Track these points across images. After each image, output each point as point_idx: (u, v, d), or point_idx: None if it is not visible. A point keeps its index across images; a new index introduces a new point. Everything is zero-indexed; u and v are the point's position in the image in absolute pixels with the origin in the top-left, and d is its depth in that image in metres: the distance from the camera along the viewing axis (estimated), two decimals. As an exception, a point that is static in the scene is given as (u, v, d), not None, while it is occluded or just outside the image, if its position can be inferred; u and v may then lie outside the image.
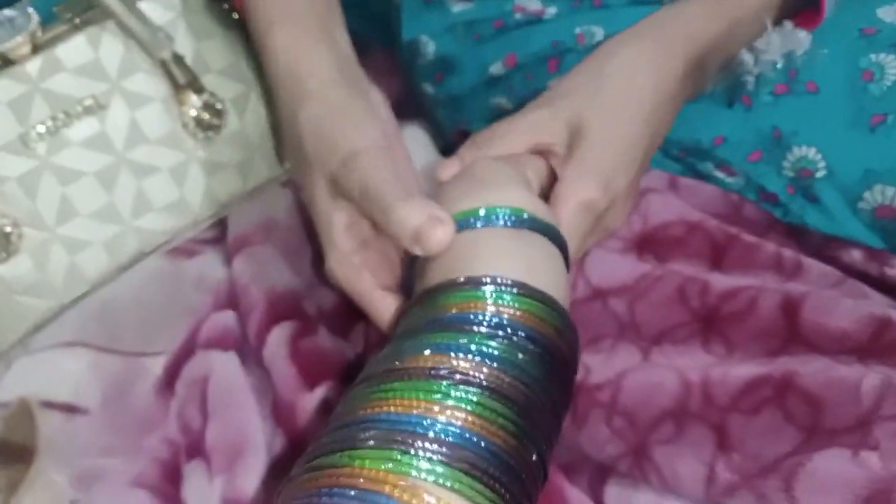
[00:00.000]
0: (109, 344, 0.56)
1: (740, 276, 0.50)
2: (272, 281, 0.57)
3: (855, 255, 0.53)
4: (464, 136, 0.68)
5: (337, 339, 0.56)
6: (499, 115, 0.64)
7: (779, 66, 0.54)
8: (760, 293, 0.47)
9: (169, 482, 0.49)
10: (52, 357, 0.55)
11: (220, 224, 0.65)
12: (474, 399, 0.34)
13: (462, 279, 0.40)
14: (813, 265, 0.50)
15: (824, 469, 0.39)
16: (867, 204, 0.53)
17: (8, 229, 0.55)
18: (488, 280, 0.39)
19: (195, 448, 0.50)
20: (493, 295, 0.39)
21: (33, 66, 0.55)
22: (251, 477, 0.47)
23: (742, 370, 0.44)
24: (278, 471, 0.49)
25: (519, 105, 0.62)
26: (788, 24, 0.55)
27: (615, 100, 0.50)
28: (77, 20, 0.56)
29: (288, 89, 0.53)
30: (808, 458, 0.40)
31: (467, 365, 0.36)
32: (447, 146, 0.70)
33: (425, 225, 0.42)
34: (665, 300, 0.49)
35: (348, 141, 0.48)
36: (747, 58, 0.54)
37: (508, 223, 0.43)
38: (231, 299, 0.59)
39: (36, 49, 0.55)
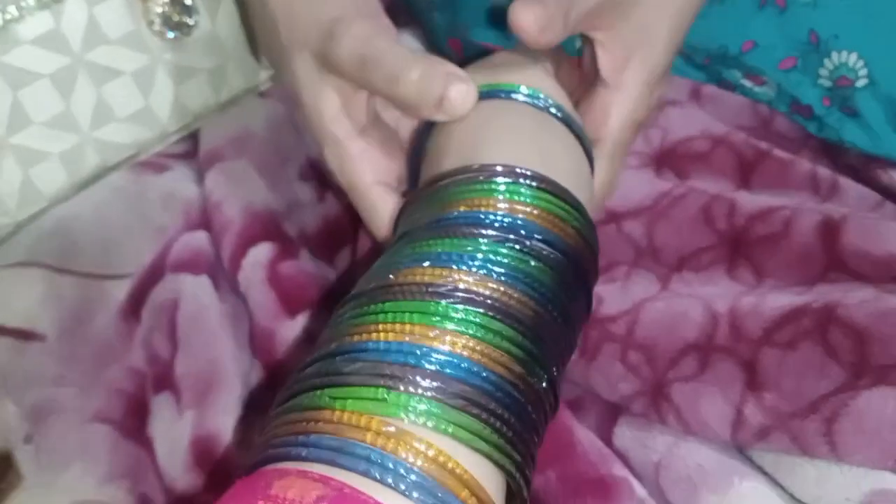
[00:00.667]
0: (67, 265, 0.51)
1: (772, 196, 0.45)
2: (248, 199, 0.52)
3: (895, 176, 0.48)
4: (459, 45, 0.63)
5: (320, 263, 0.52)
6: (499, 17, 0.59)
7: None
8: (795, 214, 0.42)
9: (133, 416, 0.45)
10: (4, 278, 0.50)
11: (192, 138, 0.60)
12: (477, 321, 0.30)
13: (475, 167, 0.36)
14: (850, 186, 0.46)
15: (873, 409, 0.34)
16: (911, 119, 0.48)
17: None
18: (501, 169, 0.35)
19: (163, 380, 0.46)
20: (508, 189, 0.34)
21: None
22: (225, 412, 0.43)
23: (776, 300, 0.39)
24: (256, 406, 0.45)
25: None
26: None
27: None
28: None
29: None
30: (852, 397, 0.35)
31: (471, 279, 0.31)
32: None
33: (446, 83, 0.38)
34: (687, 221, 0.45)
35: (331, 7, 0.43)
36: None
37: (530, 102, 0.39)
38: (203, 219, 0.54)
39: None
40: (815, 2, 0.49)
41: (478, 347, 0.29)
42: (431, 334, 0.29)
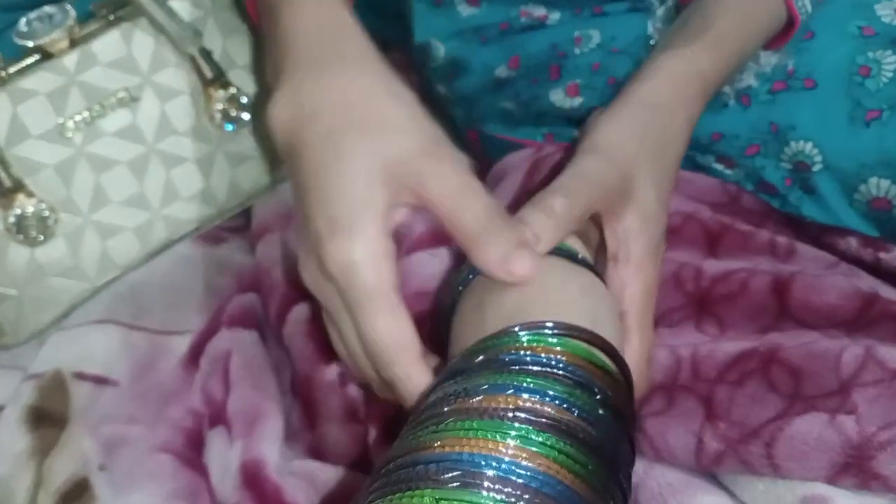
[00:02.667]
0: (138, 322, 0.59)
1: (733, 262, 0.52)
2: (292, 265, 0.60)
3: (851, 243, 0.55)
4: (477, 137, 0.72)
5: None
6: (508, 118, 0.67)
7: (755, 84, 0.57)
8: (752, 275, 0.49)
9: (192, 448, 0.52)
10: (84, 333, 0.58)
11: (245, 214, 0.68)
12: (561, 447, 0.34)
13: (529, 323, 0.39)
14: (806, 250, 0.52)
15: (802, 433, 0.41)
16: (862, 196, 0.55)
17: (45, 214, 0.58)
18: (555, 328, 0.39)
19: (217, 417, 0.53)
20: (567, 344, 0.38)
21: (70, 59, 0.58)
22: (268, 440, 0.50)
23: (730, 346, 0.46)
24: (294, 440, 0.52)
25: (525, 110, 0.65)
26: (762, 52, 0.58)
27: (659, 152, 0.49)
28: (111, 16, 0.60)
29: (326, 44, 0.46)
30: (787, 422, 0.42)
31: (552, 411, 0.35)
32: (463, 147, 0.73)
33: (516, 253, 0.41)
34: (661, 285, 0.52)
35: (432, 126, 0.45)
36: (724, 88, 0.57)
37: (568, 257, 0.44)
38: (254, 283, 0.62)
39: (73, 44, 0.59)
40: (773, 98, 0.56)
41: (556, 468, 0.33)
42: (514, 452, 0.33)
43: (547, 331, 0.39)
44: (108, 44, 0.60)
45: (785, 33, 0.57)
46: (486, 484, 0.32)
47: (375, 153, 0.43)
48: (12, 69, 0.57)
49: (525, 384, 0.36)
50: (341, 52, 0.47)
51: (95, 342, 0.58)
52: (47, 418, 0.53)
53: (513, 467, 0.32)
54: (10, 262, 0.58)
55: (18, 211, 0.57)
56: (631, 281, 0.47)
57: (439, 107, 0.75)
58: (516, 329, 0.39)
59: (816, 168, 0.56)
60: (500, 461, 0.32)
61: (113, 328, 0.58)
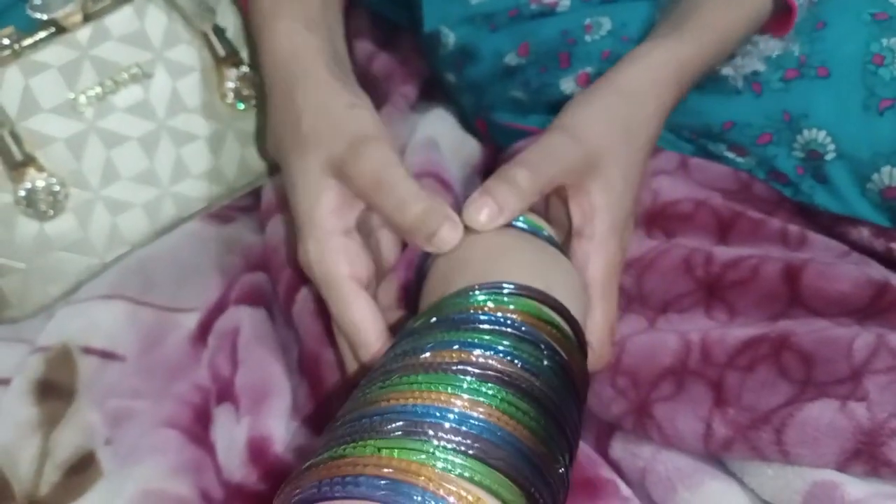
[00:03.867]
0: (146, 298, 0.59)
1: (744, 248, 0.52)
2: (300, 244, 0.60)
3: (863, 233, 0.55)
4: (486, 125, 0.71)
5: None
6: (518, 106, 0.67)
7: (763, 69, 0.57)
8: (763, 261, 0.49)
9: (198, 423, 0.52)
10: (92, 307, 0.58)
11: (254, 194, 0.68)
12: (505, 397, 0.34)
13: (487, 283, 0.41)
14: (818, 238, 0.52)
15: (813, 419, 0.41)
16: (875, 185, 0.55)
17: (55, 188, 0.58)
18: (512, 288, 0.40)
19: (224, 393, 0.53)
20: (518, 303, 0.40)
21: (83, 34, 0.58)
22: (276, 417, 0.50)
23: (741, 331, 0.46)
24: (302, 417, 0.52)
25: (536, 98, 0.65)
26: (760, 37, 0.58)
27: (629, 138, 0.51)
28: (125, -9, 0.60)
29: (289, 69, 0.54)
30: (797, 408, 0.42)
31: (498, 364, 0.36)
32: (472, 133, 0.73)
33: (440, 223, 0.45)
34: (671, 270, 0.52)
35: (359, 125, 0.50)
36: (728, 71, 0.57)
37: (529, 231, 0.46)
38: (262, 262, 0.62)
39: (86, 18, 0.58)
40: (786, 86, 0.56)
41: (505, 418, 0.34)
42: (460, 402, 0.34)
43: (503, 290, 0.40)
44: (121, 19, 0.60)
45: (786, 20, 0.57)
46: (430, 432, 0.32)
47: (312, 166, 0.50)
48: (25, 42, 0.57)
49: (471, 340, 0.37)
50: (294, 77, 0.54)
51: (103, 316, 0.58)
52: (54, 391, 0.53)
53: (459, 416, 0.33)
54: (19, 235, 0.58)
55: (29, 184, 0.57)
56: (594, 256, 0.48)
57: (448, 94, 0.75)
58: (475, 289, 0.40)
59: (829, 157, 0.56)
60: (445, 411, 0.33)
61: (121, 303, 0.58)
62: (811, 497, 0.41)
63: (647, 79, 0.52)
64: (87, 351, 0.56)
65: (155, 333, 0.58)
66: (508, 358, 0.36)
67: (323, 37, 0.56)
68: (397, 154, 0.49)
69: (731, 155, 0.59)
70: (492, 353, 0.36)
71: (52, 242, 0.59)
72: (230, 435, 0.50)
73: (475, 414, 0.33)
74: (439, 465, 0.31)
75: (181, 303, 0.60)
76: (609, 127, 0.50)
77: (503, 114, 0.69)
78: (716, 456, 0.46)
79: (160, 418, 0.52)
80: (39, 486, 0.49)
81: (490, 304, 0.39)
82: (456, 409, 0.33)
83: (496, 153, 0.69)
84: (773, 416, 0.42)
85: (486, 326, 0.38)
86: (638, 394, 0.47)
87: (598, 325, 0.47)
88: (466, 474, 0.31)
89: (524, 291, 0.40)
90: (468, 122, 0.74)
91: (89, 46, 0.58)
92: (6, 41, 0.57)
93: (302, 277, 0.57)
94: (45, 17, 0.57)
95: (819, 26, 0.57)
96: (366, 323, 0.48)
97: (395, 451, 0.31)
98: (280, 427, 0.49)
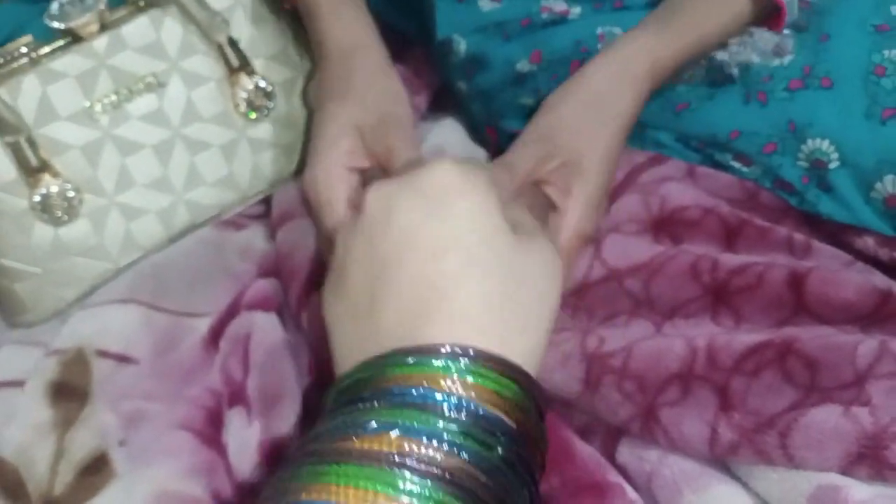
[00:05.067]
0: (159, 303, 0.60)
1: (750, 255, 0.52)
2: (312, 251, 0.61)
3: (868, 242, 0.55)
4: (496, 133, 0.72)
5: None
6: (527, 114, 0.68)
7: (757, 61, 0.59)
8: (769, 268, 0.50)
9: (211, 426, 0.53)
10: (107, 311, 0.59)
11: (266, 201, 0.69)
12: (442, 499, 0.31)
13: (426, 347, 0.36)
14: (823, 248, 0.53)
15: (817, 423, 0.42)
16: (878, 193, 0.56)
17: (70, 194, 0.59)
18: (457, 352, 0.35)
19: (237, 396, 0.54)
20: (465, 372, 0.35)
21: (100, 43, 0.59)
22: (287, 420, 0.50)
23: (746, 337, 0.47)
24: (313, 421, 0.52)
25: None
26: (756, 29, 0.61)
27: (603, 132, 0.57)
28: (141, 2, 0.61)
29: (353, 37, 0.63)
30: (802, 413, 0.42)
31: (440, 458, 0.32)
32: (481, 142, 0.74)
33: None
34: (678, 276, 0.52)
35: (398, 101, 0.59)
36: (723, 56, 0.59)
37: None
38: (273, 269, 0.63)
39: (103, 28, 0.60)
40: (791, 96, 0.57)
41: None
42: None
43: (462, 359, 0.35)
44: (138, 29, 0.61)
45: (777, 18, 0.60)
46: None
47: (344, 116, 0.59)
48: (43, 51, 0.58)
49: (415, 426, 0.33)
50: (356, 45, 0.63)
51: (117, 320, 0.58)
52: (69, 393, 0.54)
53: None
54: (34, 240, 0.59)
55: (44, 190, 0.58)
56: (565, 229, 0.54)
57: (459, 103, 0.76)
58: (429, 354, 0.36)
59: (833, 165, 0.56)
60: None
61: (134, 307, 0.59)
62: (816, 500, 0.42)
63: (621, 75, 0.58)
64: (102, 354, 0.56)
65: (168, 337, 0.58)
66: (454, 450, 0.32)
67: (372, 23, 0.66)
68: (416, 141, 0.58)
69: (737, 164, 0.60)
70: (436, 442, 0.32)
71: (67, 247, 0.60)
72: (242, 437, 0.51)
73: None
74: None
75: (194, 307, 0.61)
76: (584, 127, 0.56)
77: (513, 121, 0.70)
78: (721, 460, 0.46)
79: (173, 421, 0.53)
80: (54, 485, 0.50)
81: (447, 380, 0.34)
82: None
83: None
84: (778, 421, 0.43)
85: (437, 408, 0.33)
86: (644, 398, 0.48)
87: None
88: None
89: (487, 362, 0.35)
90: (478, 132, 0.75)
91: (106, 56, 0.60)
92: (24, 49, 0.58)
93: (312, 283, 0.58)
94: (62, 26, 0.58)
95: (823, 38, 0.58)
96: None
97: None
98: (291, 430, 0.50)
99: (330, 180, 0.56)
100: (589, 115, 0.57)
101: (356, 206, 0.47)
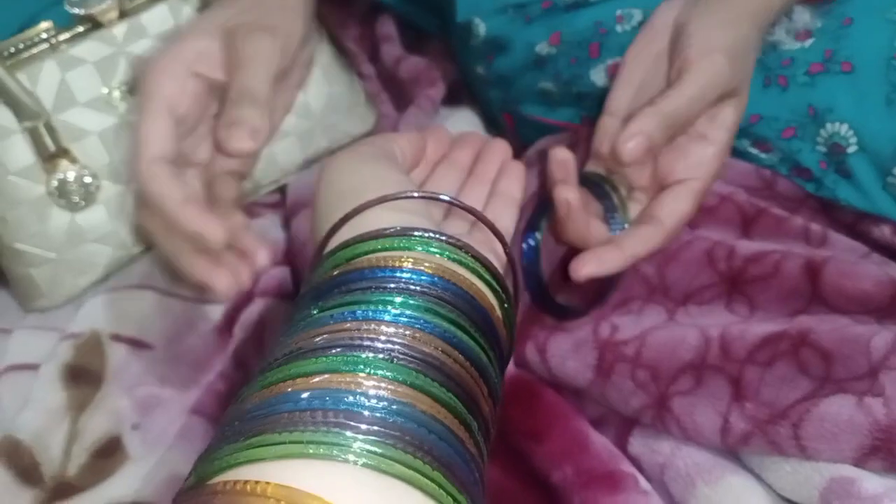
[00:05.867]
0: (174, 289, 0.60)
1: (767, 243, 0.52)
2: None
3: (884, 231, 0.55)
4: (513, 120, 0.72)
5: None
6: (547, 99, 0.68)
7: (785, 42, 0.58)
8: (785, 257, 0.49)
9: (223, 411, 0.53)
10: (122, 296, 0.59)
11: (280, 190, 0.69)
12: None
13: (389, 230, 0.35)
14: (839, 238, 0.52)
15: (830, 415, 0.41)
16: (895, 179, 0.55)
17: (87, 180, 0.59)
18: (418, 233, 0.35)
19: (249, 382, 0.54)
20: (422, 245, 0.34)
21: (119, 30, 0.60)
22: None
23: (760, 327, 0.46)
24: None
25: (566, 90, 0.66)
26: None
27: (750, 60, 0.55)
28: (160, -11, 0.61)
29: None
30: (815, 404, 0.42)
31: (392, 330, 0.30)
32: (498, 133, 0.74)
33: (244, 125, 0.50)
34: (693, 261, 0.52)
35: (286, 10, 0.55)
36: (780, 32, 0.58)
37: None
38: (287, 257, 0.63)
39: (122, 14, 0.60)
40: (811, 81, 0.56)
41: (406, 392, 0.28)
42: (361, 382, 0.28)
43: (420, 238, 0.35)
44: (157, 17, 0.61)
45: None
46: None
47: (216, 15, 0.55)
48: (62, 37, 0.59)
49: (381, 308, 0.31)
50: None
51: (132, 306, 0.59)
52: (83, 376, 0.54)
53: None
54: (51, 225, 0.59)
55: (62, 176, 0.59)
56: (709, 161, 0.52)
57: (476, 90, 0.76)
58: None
59: (851, 150, 0.56)
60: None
61: (150, 293, 0.60)
62: (829, 492, 0.41)
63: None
64: (117, 339, 0.57)
65: (182, 323, 0.59)
66: (419, 326, 0.31)
67: None
68: (278, 70, 0.53)
69: (754, 151, 0.59)
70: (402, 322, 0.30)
71: (83, 233, 0.61)
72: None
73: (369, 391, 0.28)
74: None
75: (208, 294, 0.61)
76: (742, 54, 0.53)
77: (531, 107, 0.70)
78: (733, 450, 0.46)
79: (187, 405, 0.54)
80: (67, 468, 0.50)
81: (408, 258, 0.33)
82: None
83: (521, 151, 0.69)
84: (791, 412, 0.42)
85: (398, 286, 0.32)
86: (657, 387, 0.48)
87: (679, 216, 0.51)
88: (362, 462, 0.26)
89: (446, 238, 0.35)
90: (494, 119, 0.75)
91: (125, 43, 0.60)
92: (44, 35, 0.58)
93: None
94: (82, 12, 0.59)
95: (846, 22, 0.57)
96: (161, 142, 0.51)
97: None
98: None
99: (160, 77, 0.52)
100: (744, 45, 0.54)
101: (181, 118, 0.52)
